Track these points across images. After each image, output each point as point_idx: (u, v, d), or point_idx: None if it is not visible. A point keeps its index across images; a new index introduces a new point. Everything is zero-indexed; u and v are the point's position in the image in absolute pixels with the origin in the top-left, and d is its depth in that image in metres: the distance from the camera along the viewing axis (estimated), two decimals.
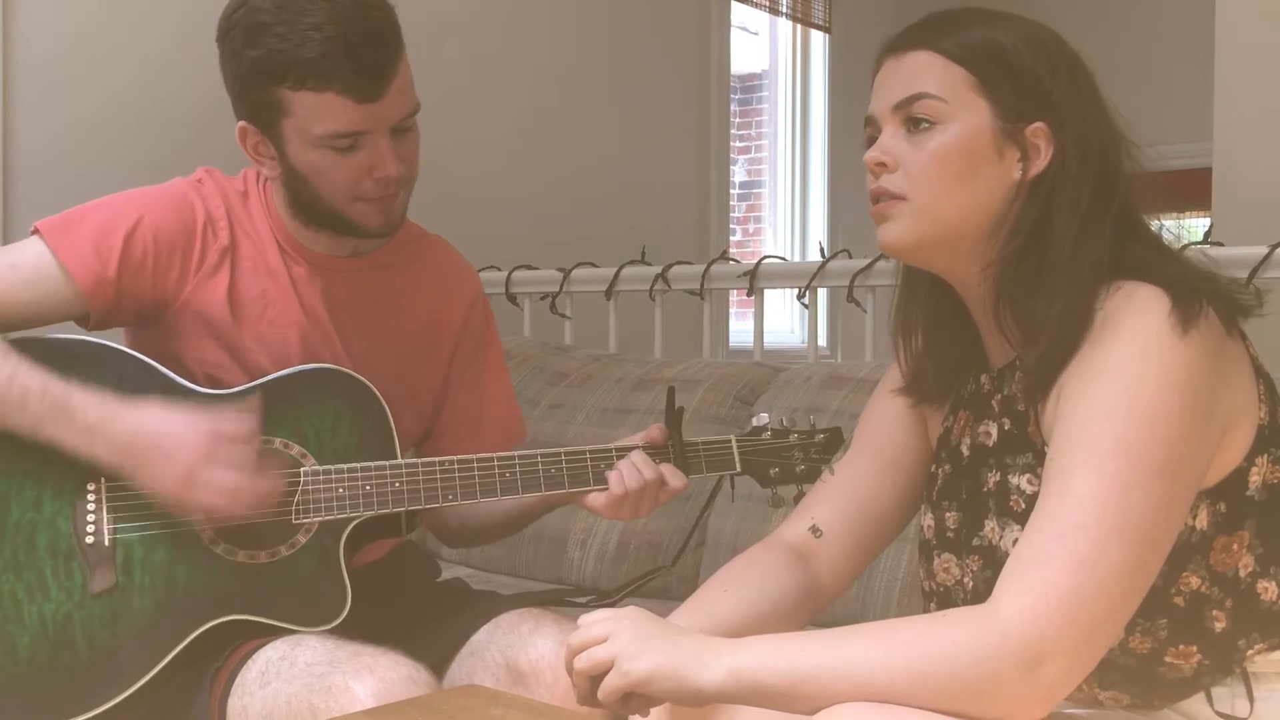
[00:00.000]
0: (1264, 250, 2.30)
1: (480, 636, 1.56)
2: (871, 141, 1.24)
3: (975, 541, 1.24)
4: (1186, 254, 1.22)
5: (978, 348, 1.30)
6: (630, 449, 1.57)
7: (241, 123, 1.56)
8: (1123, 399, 1.09)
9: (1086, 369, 1.12)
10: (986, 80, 1.19)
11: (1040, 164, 1.19)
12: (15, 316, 1.54)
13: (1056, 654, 1.03)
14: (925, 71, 1.20)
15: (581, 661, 1.15)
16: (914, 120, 1.20)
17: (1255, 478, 1.16)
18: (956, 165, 1.18)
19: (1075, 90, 1.20)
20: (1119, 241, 1.18)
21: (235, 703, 1.42)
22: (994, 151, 1.19)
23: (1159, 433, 1.08)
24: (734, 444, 1.62)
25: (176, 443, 1.43)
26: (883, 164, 1.21)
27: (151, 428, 1.44)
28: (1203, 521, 1.15)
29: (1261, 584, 1.18)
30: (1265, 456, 1.17)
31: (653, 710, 1.17)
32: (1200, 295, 1.12)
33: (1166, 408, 1.08)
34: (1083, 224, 1.17)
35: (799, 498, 1.56)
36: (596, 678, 1.14)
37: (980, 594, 1.22)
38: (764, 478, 1.61)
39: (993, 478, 1.24)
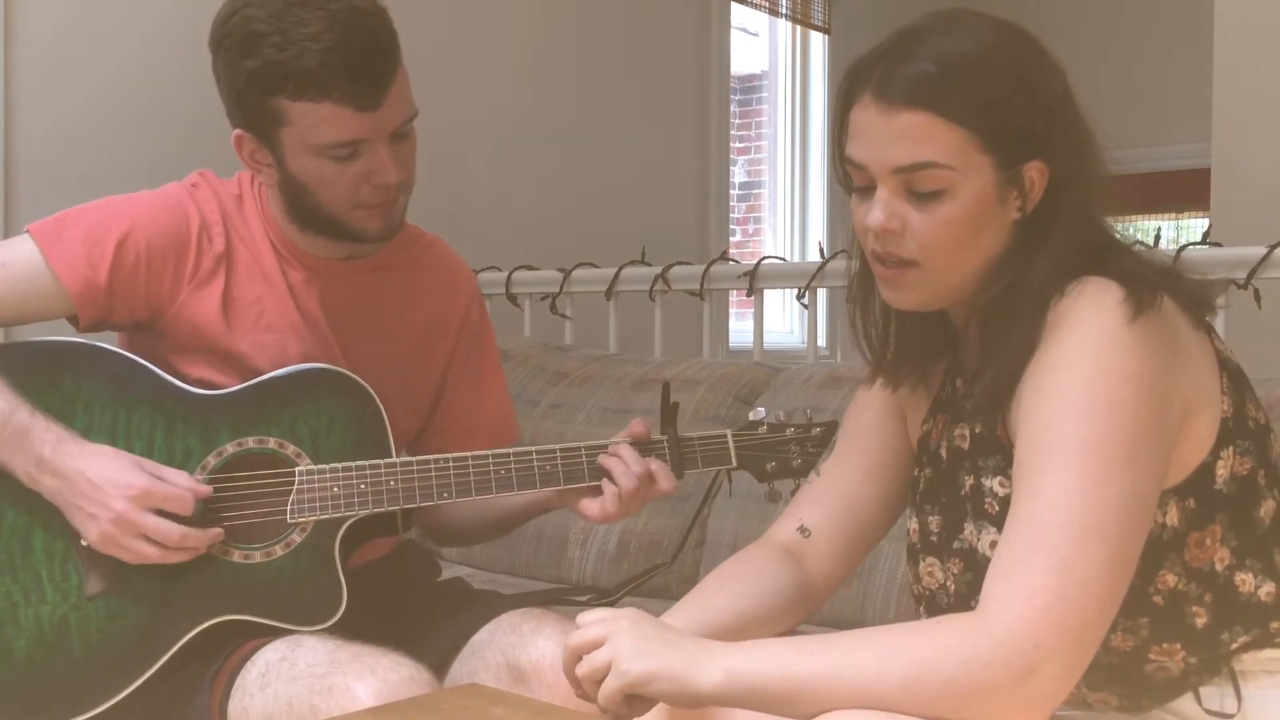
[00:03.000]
0: (1262, 250, 2.30)
1: (481, 636, 1.56)
2: (862, 185, 1.20)
3: (956, 545, 1.25)
4: (1146, 251, 1.22)
5: (952, 346, 1.30)
6: (624, 444, 1.57)
7: (238, 130, 1.55)
8: (1079, 395, 1.09)
9: (1043, 367, 1.12)
10: (988, 136, 1.15)
11: (1035, 198, 1.17)
12: (4, 315, 1.55)
13: (1049, 659, 1.04)
14: (927, 137, 1.14)
15: (582, 668, 1.15)
16: (918, 185, 1.16)
17: (1222, 471, 1.17)
18: (968, 228, 1.16)
19: (1061, 110, 1.18)
20: (1085, 246, 1.17)
21: (236, 704, 1.42)
22: (998, 202, 1.17)
23: (1118, 424, 1.08)
24: (730, 439, 1.61)
25: (111, 491, 1.43)
26: (891, 230, 1.17)
27: (92, 472, 1.44)
28: (1173, 518, 1.15)
29: (1239, 576, 1.18)
30: (1231, 449, 1.17)
31: (649, 712, 1.17)
32: (1157, 288, 1.12)
33: (1122, 399, 1.08)
34: (1060, 263, 1.16)
35: (795, 492, 1.56)
36: (597, 680, 1.14)
37: (963, 597, 1.23)
38: (760, 472, 1.61)
39: (968, 481, 1.24)
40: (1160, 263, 1.19)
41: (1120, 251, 1.19)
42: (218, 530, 1.47)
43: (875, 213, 1.17)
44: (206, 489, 1.47)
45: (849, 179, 1.22)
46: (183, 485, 1.46)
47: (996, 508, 1.19)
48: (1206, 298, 1.19)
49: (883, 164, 1.17)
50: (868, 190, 1.19)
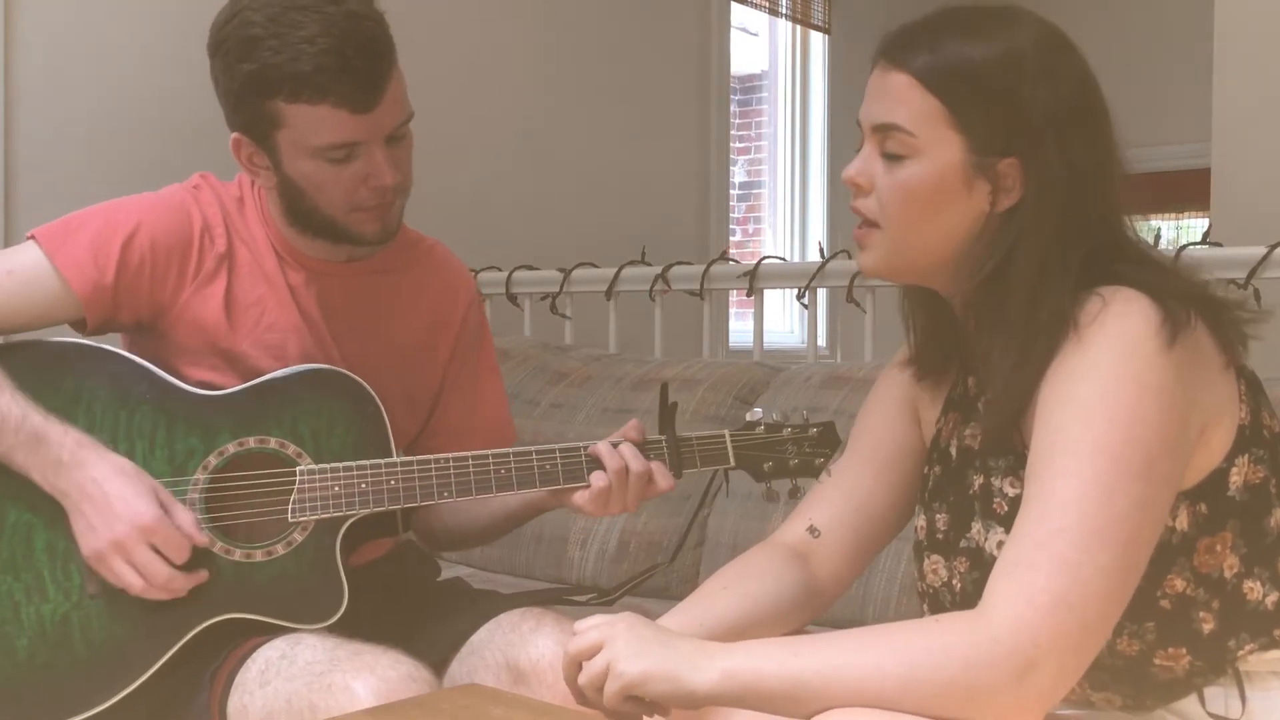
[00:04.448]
0: (1262, 250, 2.30)
1: (481, 635, 1.56)
2: (859, 147, 1.23)
3: (962, 544, 1.25)
4: (1182, 265, 1.21)
5: (963, 346, 1.30)
6: (623, 443, 1.57)
7: (235, 134, 1.56)
8: (1100, 402, 1.09)
9: (1065, 373, 1.12)
10: (960, 113, 1.16)
11: (1010, 198, 1.17)
12: (12, 322, 1.55)
13: (1047, 660, 1.03)
14: (902, 100, 1.18)
15: (583, 677, 1.15)
16: (888, 145, 1.19)
17: (1236, 478, 1.16)
18: (923, 199, 1.18)
19: (1054, 116, 1.16)
20: (1103, 255, 1.17)
21: (235, 702, 1.42)
22: (963, 186, 1.17)
23: (1137, 435, 1.08)
24: (728, 438, 1.61)
25: (120, 512, 1.43)
26: (858, 184, 1.22)
27: (108, 488, 1.44)
28: (1183, 523, 1.15)
29: (1247, 584, 1.18)
30: (1246, 456, 1.17)
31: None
32: (1187, 307, 1.12)
33: (1143, 410, 1.08)
34: (1043, 268, 1.15)
35: (793, 492, 1.56)
36: (597, 686, 1.14)
37: (968, 595, 1.23)
38: (757, 472, 1.61)
39: (977, 480, 1.24)
40: (1190, 279, 1.18)
41: (1143, 264, 1.19)
42: (202, 573, 1.47)
43: (850, 165, 1.22)
44: (204, 540, 1.47)
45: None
46: (186, 530, 1.46)
47: (1006, 508, 1.19)
48: (1239, 325, 1.18)
49: (867, 120, 1.21)
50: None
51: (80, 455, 1.45)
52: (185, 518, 1.46)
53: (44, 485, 1.46)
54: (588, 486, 1.53)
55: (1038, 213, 1.16)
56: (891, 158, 1.19)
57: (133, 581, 1.44)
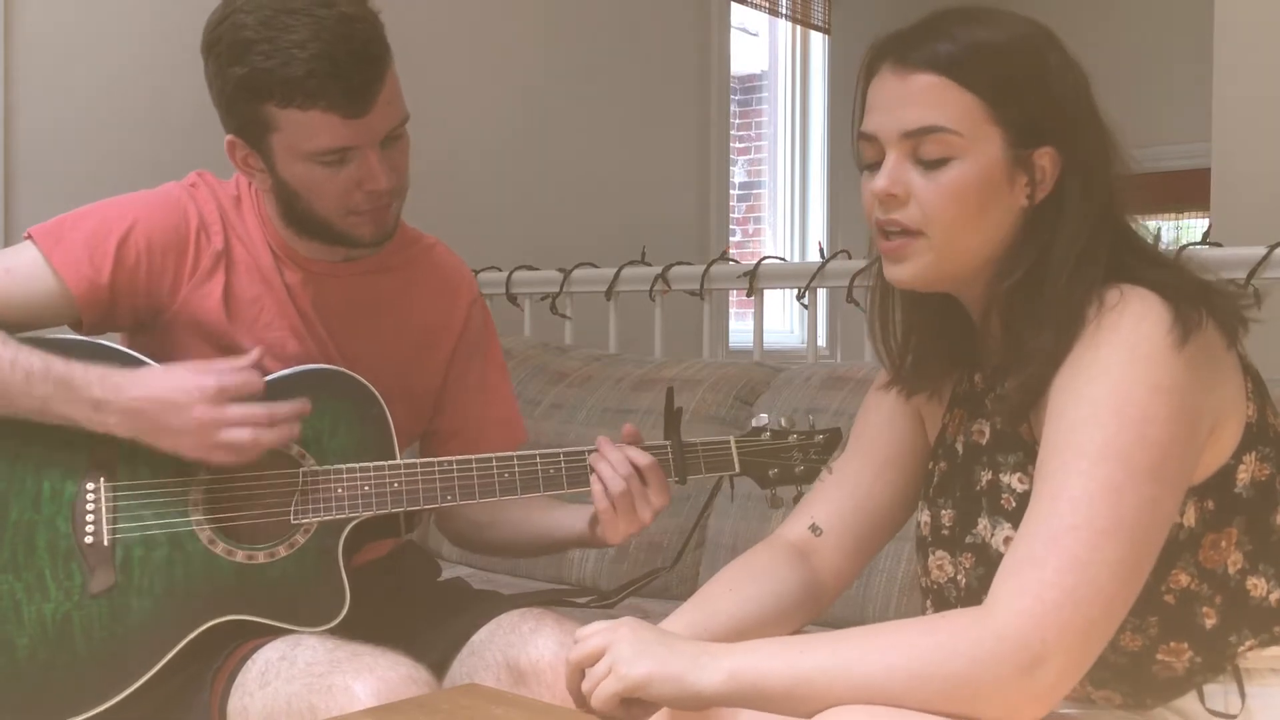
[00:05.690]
0: (1262, 251, 2.30)
1: (481, 636, 1.56)
2: (871, 161, 1.20)
3: (968, 539, 1.25)
4: (1183, 259, 1.21)
5: (970, 343, 1.30)
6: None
7: (230, 136, 1.56)
8: (1111, 401, 1.09)
9: (1077, 370, 1.12)
10: (1000, 108, 1.15)
11: (1046, 187, 1.17)
12: (9, 320, 1.54)
13: (1053, 656, 1.04)
14: (938, 101, 1.15)
15: (586, 685, 1.15)
16: (925, 151, 1.16)
17: (1243, 475, 1.17)
18: (973, 200, 1.16)
19: (1077, 105, 1.18)
20: (1113, 250, 1.17)
21: (235, 703, 1.42)
22: (1005, 181, 1.16)
23: (1148, 435, 1.08)
24: (733, 445, 1.61)
25: (185, 399, 1.44)
26: (894, 195, 1.18)
27: (158, 391, 1.44)
28: (1190, 519, 1.16)
29: (1251, 580, 1.18)
30: (1253, 454, 1.17)
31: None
32: (1199, 306, 1.12)
33: (1155, 410, 1.08)
34: (1081, 254, 1.15)
35: (798, 498, 1.56)
36: None
37: (974, 591, 1.23)
38: (763, 478, 1.61)
39: (985, 476, 1.24)
40: (1194, 275, 1.18)
41: (1152, 261, 1.19)
42: (303, 401, 1.49)
43: (880, 178, 1.18)
44: (260, 353, 1.51)
45: (862, 158, 1.22)
46: (243, 365, 1.48)
47: (1014, 504, 1.20)
48: (1240, 311, 1.18)
49: (892, 129, 1.17)
50: (877, 165, 1.20)
51: (111, 383, 1.45)
52: (231, 362, 1.49)
53: (90, 426, 1.45)
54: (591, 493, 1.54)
55: (1082, 198, 1.16)
56: (930, 164, 1.16)
57: (242, 438, 1.44)
